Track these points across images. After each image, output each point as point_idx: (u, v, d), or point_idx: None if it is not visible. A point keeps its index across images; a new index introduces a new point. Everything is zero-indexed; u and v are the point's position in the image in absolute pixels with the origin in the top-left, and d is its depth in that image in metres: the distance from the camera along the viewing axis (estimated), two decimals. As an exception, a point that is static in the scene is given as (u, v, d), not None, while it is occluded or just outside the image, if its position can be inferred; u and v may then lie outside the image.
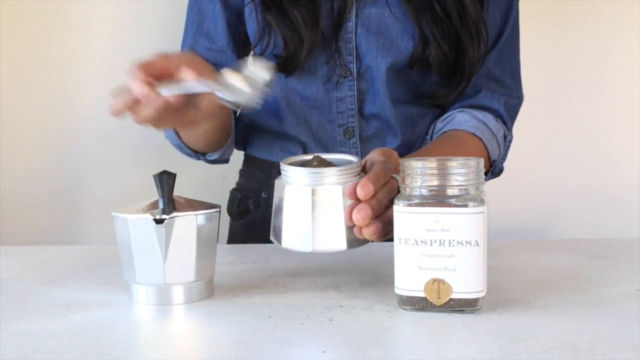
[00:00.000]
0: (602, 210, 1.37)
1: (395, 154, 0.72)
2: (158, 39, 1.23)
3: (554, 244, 0.97)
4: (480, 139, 0.97)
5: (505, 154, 1.04)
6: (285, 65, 0.98)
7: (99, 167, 1.33)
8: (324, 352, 0.53)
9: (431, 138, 1.02)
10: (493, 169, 1.02)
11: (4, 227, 1.30)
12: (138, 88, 0.69)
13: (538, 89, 1.07)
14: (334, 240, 0.65)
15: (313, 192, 0.65)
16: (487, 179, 1.01)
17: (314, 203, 0.65)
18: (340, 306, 0.65)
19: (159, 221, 0.65)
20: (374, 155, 0.71)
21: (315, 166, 0.68)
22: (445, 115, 1.02)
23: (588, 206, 1.37)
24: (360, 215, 0.64)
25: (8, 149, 1.31)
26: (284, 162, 0.68)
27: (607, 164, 1.38)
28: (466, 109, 1.01)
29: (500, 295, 0.68)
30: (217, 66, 1.04)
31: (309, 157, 0.69)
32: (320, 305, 0.65)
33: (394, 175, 0.68)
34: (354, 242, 0.66)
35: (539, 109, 1.14)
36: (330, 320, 0.61)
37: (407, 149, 1.03)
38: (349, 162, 0.68)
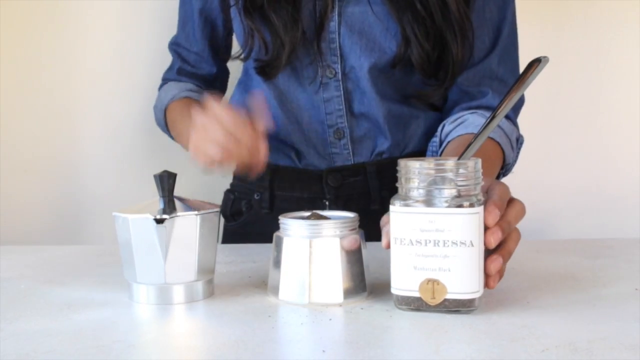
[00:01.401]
0: (601, 210, 1.37)
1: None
2: (158, 40, 1.23)
3: (553, 244, 0.97)
4: (498, 143, 0.94)
5: (517, 157, 1.02)
6: (265, 69, 0.98)
7: (99, 167, 1.33)
8: (323, 351, 0.53)
9: (440, 140, 1.00)
10: (504, 172, 1.00)
11: (4, 227, 1.30)
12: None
13: (537, 89, 1.07)
14: (331, 292, 0.66)
15: (311, 244, 0.66)
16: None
17: (311, 255, 0.66)
18: (340, 305, 0.65)
19: (159, 221, 0.65)
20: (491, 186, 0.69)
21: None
22: (455, 117, 0.99)
23: (587, 206, 1.37)
24: (493, 237, 0.62)
25: (8, 149, 1.31)
26: (283, 216, 0.69)
27: (606, 164, 1.38)
28: (478, 111, 0.98)
29: (499, 294, 0.68)
30: (197, 67, 1.13)
31: (306, 213, 0.70)
32: (320, 305, 0.65)
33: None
34: (351, 294, 0.66)
35: (538, 109, 1.15)
36: (330, 319, 0.61)
37: (399, 150, 1.03)
38: (347, 217, 0.69)
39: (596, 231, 1.34)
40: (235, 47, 1.08)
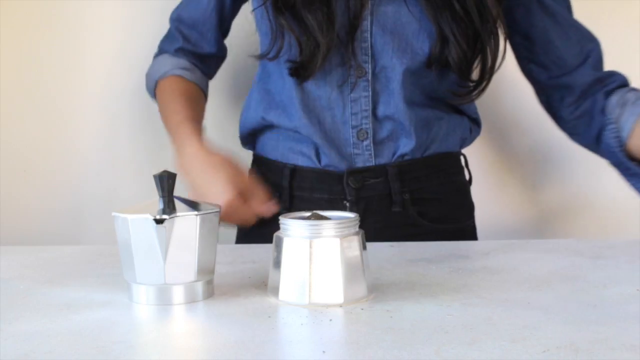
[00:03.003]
0: (602, 210, 1.37)
1: None
2: (157, 39, 1.23)
3: (553, 244, 0.97)
4: None
5: None
6: (300, 71, 0.97)
7: (99, 167, 1.33)
8: (324, 352, 0.53)
9: (616, 123, 1.00)
10: None
11: (4, 227, 1.30)
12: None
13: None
14: (331, 293, 0.66)
15: (311, 244, 0.65)
16: None
17: (311, 255, 0.65)
18: (340, 306, 0.65)
19: (159, 221, 0.65)
20: None
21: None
22: (615, 98, 1.01)
23: (588, 206, 1.37)
24: None
25: (8, 149, 1.31)
26: (284, 216, 0.69)
27: (608, 164, 1.38)
28: (624, 88, 1.01)
29: (500, 295, 0.68)
30: (197, 46, 1.13)
31: (307, 214, 0.70)
32: (320, 305, 0.65)
33: None
34: (352, 295, 0.66)
35: (539, 108, 1.14)
36: (330, 320, 0.61)
37: (422, 151, 1.02)
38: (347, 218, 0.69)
39: (597, 231, 1.34)
40: (254, 44, 1.07)
